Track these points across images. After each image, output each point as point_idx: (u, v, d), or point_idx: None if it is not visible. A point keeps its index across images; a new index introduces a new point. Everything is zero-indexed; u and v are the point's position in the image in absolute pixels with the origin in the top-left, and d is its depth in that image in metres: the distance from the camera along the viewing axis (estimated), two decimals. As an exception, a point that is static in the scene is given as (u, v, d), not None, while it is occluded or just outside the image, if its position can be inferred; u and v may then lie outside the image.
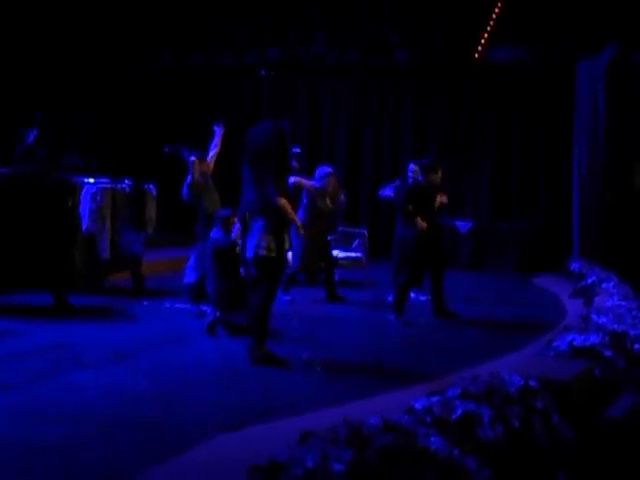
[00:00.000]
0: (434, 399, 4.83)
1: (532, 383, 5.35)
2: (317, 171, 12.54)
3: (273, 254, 7.87)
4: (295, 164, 14.60)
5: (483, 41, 16.70)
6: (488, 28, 16.61)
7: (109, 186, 11.95)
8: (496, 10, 16.57)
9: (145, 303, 11.18)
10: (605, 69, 15.07)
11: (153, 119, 17.90)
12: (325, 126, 18.44)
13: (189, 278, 10.82)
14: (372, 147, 18.11)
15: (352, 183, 17.23)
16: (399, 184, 11.91)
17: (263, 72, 18.41)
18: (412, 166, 12.22)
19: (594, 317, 8.22)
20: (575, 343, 7.11)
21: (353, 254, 14.49)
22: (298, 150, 14.59)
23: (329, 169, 12.57)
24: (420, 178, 11.41)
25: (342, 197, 12.78)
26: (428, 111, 17.81)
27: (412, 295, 11.75)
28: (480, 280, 15.04)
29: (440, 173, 11.28)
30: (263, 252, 7.85)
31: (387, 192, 12.20)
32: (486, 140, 17.49)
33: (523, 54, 16.70)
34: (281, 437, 4.42)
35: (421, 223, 10.84)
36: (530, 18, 16.25)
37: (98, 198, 11.70)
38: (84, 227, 11.49)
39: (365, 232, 14.24)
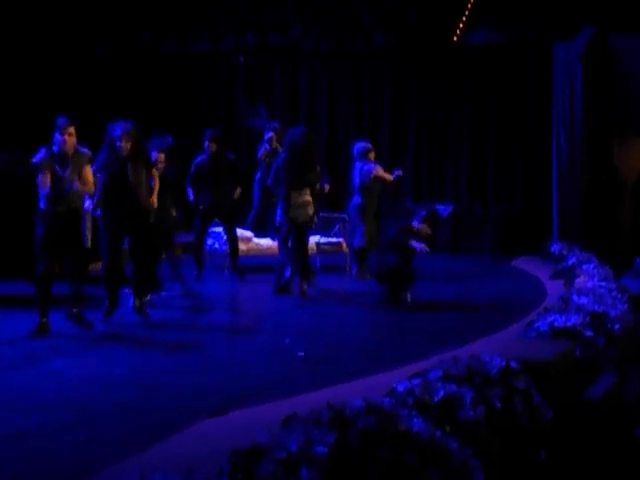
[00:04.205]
0: (416, 381, 4.84)
1: (513, 364, 5.37)
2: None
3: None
4: (268, 146, 14.73)
5: (461, 24, 16.68)
6: (465, 11, 16.59)
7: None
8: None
9: (125, 291, 11.12)
10: (582, 52, 15.09)
11: (126, 105, 17.61)
12: (303, 111, 18.36)
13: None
14: (351, 131, 18.05)
15: (332, 168, 17.23)
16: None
17: (241, 59, 18.32)
18: None
19: (574, 298, 8.25)
20: (556, 324, 7.15)
21: (334, 239, 14.53)
22: (271, 134, 14.71)
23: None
24: None
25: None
26: (406, 94, 17.74)
27: None
28: (460, 262, 15.07)
29: None
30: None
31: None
32: (465, 123, 17.45)
33: (500, 37, 16.69)
34: (264, 421, 4.42)
35: None
36: (507, 1, 16.24)
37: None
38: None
39: (346, 217, 14.22)
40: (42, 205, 8.77)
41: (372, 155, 12.42)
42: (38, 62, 15.96)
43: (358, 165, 12.26)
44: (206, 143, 12.09)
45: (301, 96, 18.40)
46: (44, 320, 8.67)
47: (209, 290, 11.39)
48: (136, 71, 17.84)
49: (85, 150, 9.04)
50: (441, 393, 4.68)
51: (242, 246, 13.73)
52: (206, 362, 7.74)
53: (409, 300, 10.65)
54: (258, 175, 15.02)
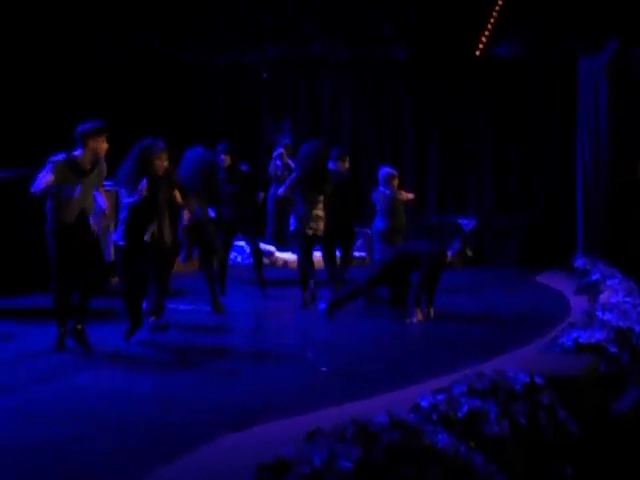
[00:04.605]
0: (440, 396, 4.82)
1: (538, 379, 5.34)
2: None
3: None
4: (279, 162, 14.95)
5: (484, 37, 16.68)
6: (489, 24, 16.59)
7: (113, 188, 11.90)
8: (497, 5, 16.54)
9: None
10: (606, 65, 15.06)
11: (144, 116, 17.58)
12: (326, 124, 18.37)
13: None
14: (374, 143, 18.06)
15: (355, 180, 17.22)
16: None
17: (265, 75, 18.36)
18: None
19: (599, 313, 8.21)
20: (580, 339, 7.11)
21: (357, 253, 14.53)
22: (281, 150, 14.93)
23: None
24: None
25: None
26: (429, 107, 17.73)
27: None
28: (483, 276, 15.03)
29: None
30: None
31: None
32: (487, 136, 17.44)
33: (524, 50, 16.66)
34: (288, 435, 4.42)
35: None
36: (531, 14, 16.21)
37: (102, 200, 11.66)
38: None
39: (369, 231, 14.22)
40: (50, 218, 8.42)
41: (396, 182, 12.40)
42: (58, 75, 15.98)
43: (381, 190, 12.27)
44: (221, 157, 12.08)
45: (323, 109, 18.41)
46: (62, 334, 8.62)
47: (232, 304, 11.41)
48: (155, 82, 17.84)
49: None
50: (465, 408, 4.66)
51: (264, 260, 13.77)
52: (228, 376, 7.74)
53: (432, 315, 10.64)
54: (272, 191, 15.10)
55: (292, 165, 14.85)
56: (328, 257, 11.94)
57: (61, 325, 8.63)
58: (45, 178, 8.21)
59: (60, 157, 8.30)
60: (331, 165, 12.20)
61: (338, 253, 12.30)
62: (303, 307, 11.28)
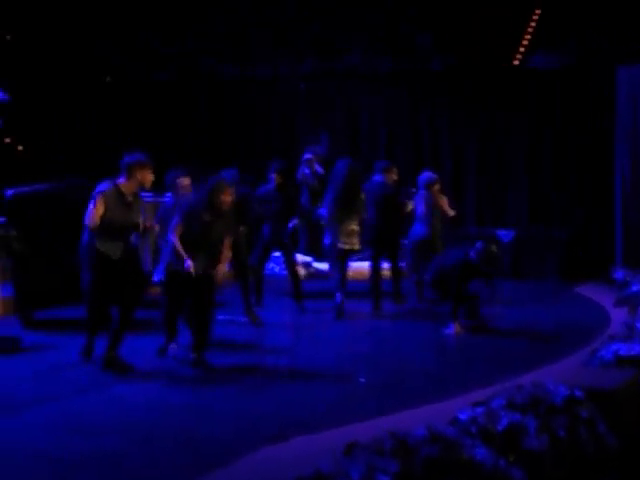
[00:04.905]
0: (479, 410, 4.80)
1: (578, 393, 5.30)
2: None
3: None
4: (307, 170, 15.01)
5: (522, 47, 16.60)
6: (527, 33, 16.51)
7: (151, 200, 11.96)
8: (535, 15, 16.47)
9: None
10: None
11: (183, 130, 17.65)
12: (364, 137, 18.33)
13: None
14: (412, 156, 17.97)
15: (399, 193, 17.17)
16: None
17: (302, 86, 18.36)
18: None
19: (639, 326, 8.13)
20: (620, 352, 7.05)
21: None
22: (309, 156, 15.00)
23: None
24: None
25: None
26: (466, 119, 17.65)
27: None
28: (522, 288, 14.93)
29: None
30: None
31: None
32: (526, 147, 17.32)
33: (562, 59, 16.56)
34: (325, 448, 4.41)
35: None
36: (569, 23, 16.12)
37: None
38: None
39: (406, 242, 14.18)
40: (91, 249, 8.19)
41: (437, 187, 12.35)
42: (96, 88, 16.08)
43: (422, 194, 12.22)
44: (272, 175, 12.08)
45: (361, 120, 18.37)
46: (91, 344, 8.57)
47: (268, 315, 11.41)
48: (196, 96, 17.93)
49: None
50: (505, 422, 4.64)
51: (301, 271, 13.76)
52: (265, 388, 7.74)
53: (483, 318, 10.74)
54: (302, 199, 15.07)
55: (319, 171, 14.92)
56: (374, 269, 12.00)
57: (91, 335, 8.59)
58: (97, 211, 8.12)
59: (106, 186, 8.22)
60: (378, 177, 12.23)
61: (386, 265, 12.42)
62: (338, 318, 11.30)
